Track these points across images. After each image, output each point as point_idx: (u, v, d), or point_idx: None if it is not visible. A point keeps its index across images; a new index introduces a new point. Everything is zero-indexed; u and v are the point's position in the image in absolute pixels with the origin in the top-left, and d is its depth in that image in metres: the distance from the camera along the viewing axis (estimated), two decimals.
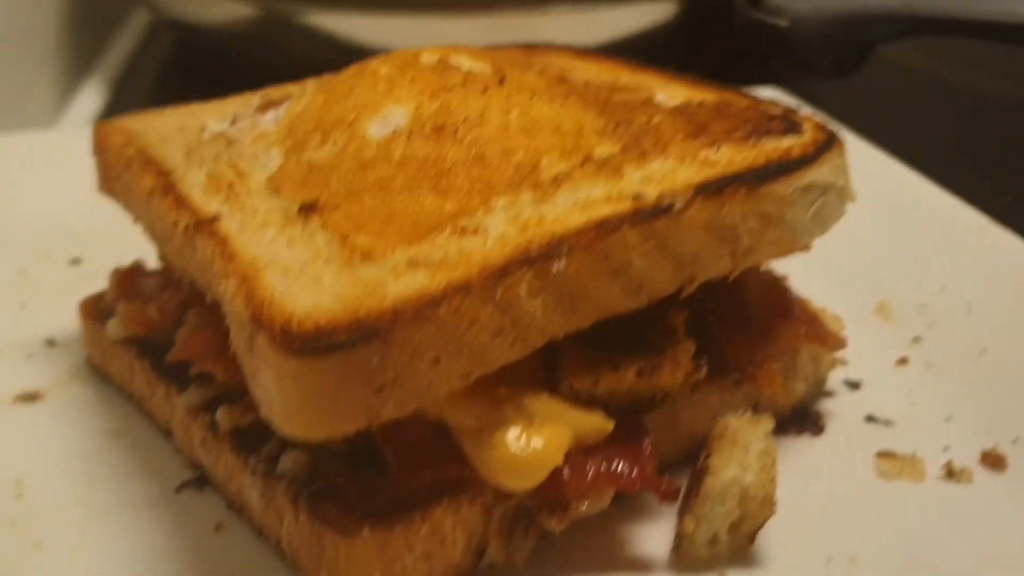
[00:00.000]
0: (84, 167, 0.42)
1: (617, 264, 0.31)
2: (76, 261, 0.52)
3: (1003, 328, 0.44)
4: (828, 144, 0.37)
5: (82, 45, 0.96)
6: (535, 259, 0.30)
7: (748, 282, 0.38)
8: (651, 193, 0.32)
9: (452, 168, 0.33)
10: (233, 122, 0.40)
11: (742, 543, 0.33)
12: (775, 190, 0.34)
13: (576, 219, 0.31)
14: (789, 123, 0.38)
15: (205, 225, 0.32)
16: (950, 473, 0.37)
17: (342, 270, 0.29)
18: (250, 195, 0.34)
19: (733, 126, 0.37)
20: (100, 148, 0.41)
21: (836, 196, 0.37)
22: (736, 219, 0.33)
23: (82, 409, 0.41)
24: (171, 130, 0.40)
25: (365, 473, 0.32)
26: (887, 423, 0.40)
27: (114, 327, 0.41)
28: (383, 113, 0.37)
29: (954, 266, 0.48)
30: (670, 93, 0.41)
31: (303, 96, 0.40)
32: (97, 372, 0.43)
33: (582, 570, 0.33)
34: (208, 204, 0.34)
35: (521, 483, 0.31)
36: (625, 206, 0.32)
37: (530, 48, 0.47)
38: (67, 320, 0.45)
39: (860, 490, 0.37)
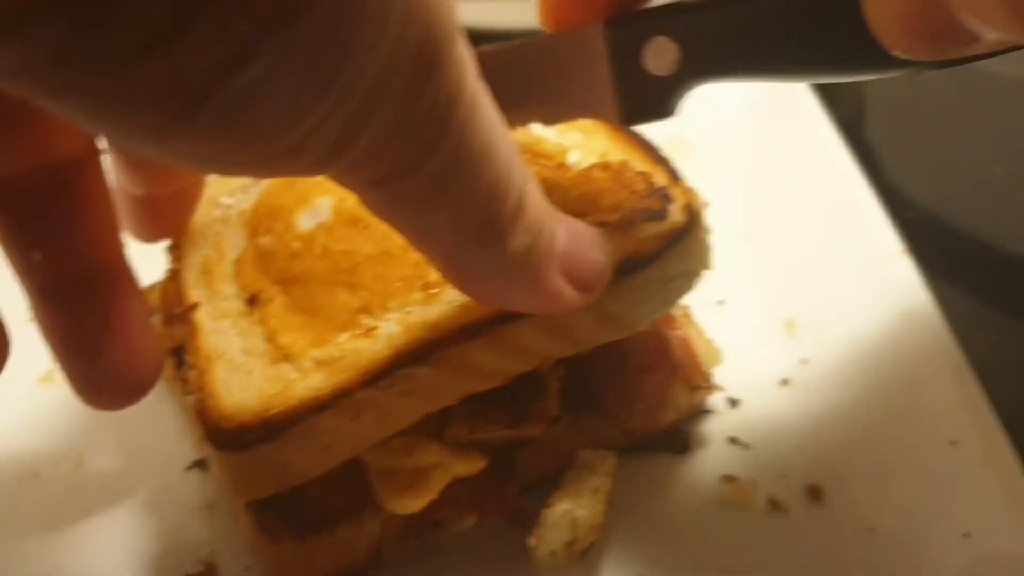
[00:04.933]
0: None
1: (474, 364, 0.41)
2: None
3: (868, 367, 0.52)
4: (684, 232, 0.43)
5: None
6: (406, 363, 0.39)
7: None
8: None
9: (362, 263, 0.42)
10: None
11: (575, 558, 0.45)
12: (617, 291, 0.41)
13: (444, 324, 0.40)
14: (663, 199, 0.43)
15: (186, 313, 0.44)
16: (772, 503, 0.47)
17: (267, 367, 0.41)
18: (220, 280, 0.44)
19: (618, 202, 0.43)
20: None
21: (685, 279, 0.44)
22: (572, 320, 0.41)
23: None
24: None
25: (297, 492, 0.44)
26: (744, 446, 0.50)
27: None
28: (313, 204, 0.45)
29: (855, 292, 0.55)
30: (588, 148, 0.48)
31: None
32: None
33: (459, 567, 0.46)
34: (194, 290, 0.44)
35: (407, 510, 0.43)
36: (481, 312, 0.40)
37: None
38: None
39: (693, 512, 0.47)
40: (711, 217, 0.62)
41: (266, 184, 0.48)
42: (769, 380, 0.53)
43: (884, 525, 0.45)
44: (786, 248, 0.60)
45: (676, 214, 0.43)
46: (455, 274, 0.35)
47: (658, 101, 0.38)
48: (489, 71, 0.30)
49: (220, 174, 0.42)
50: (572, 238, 0.36)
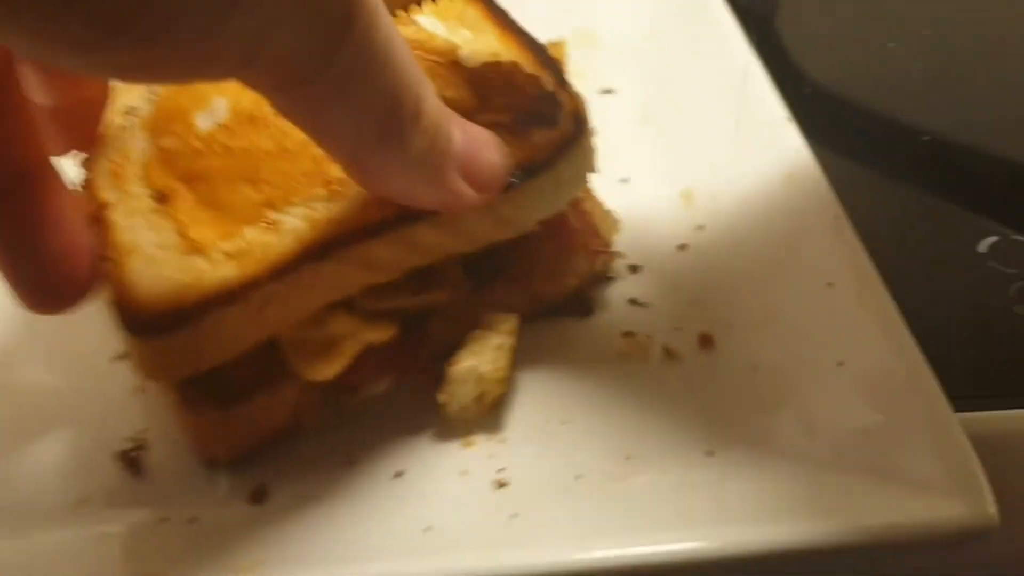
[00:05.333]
0: None
1: (375, 259, 0.44)
2: None
3: (756, 227, 0.55)
4: (573, 139, 0.46)
5: None
6: (311, 259, 0.42)
7: None
8: None
9: (262, 160, 0.44)
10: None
11: (484, 411, 0.48)
12: (512, 196, 0.44)
13: (347, 222, 0.43)
14: (552, 105, 0.46)
15: (99, 211, 0.45)
16: (667, 352, 0.51)
17: (179, 259, 0.42)
18: (130, 181, 0.46)
19: (508, 104, 0.46)
20: None
21: (575, 181, 0.48)
22: (470, 221, 0.44)
23: None
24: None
25: (216, 367, 0.46)
26: (643, 306, 0.53)
27: None
28: (210, 104, 0.47)
29: (745, 161, 0.58)
30: (478, 47, 0.50)
31: None
32: None
33: (376, 428, 0.49)
34: (106, 192, 0.45)
35: (321, 377, 0.46)
36: (383, 211, 0.43)
37: None
38: None
39: (595, 366, 0.50)
40: (615, 103, 0.66)
41: (163, 88, 0.49)
42: (668, 246, 0.56)
43: (767, 362, 0.49)
44: (685, 127, 0.63)
45: (564, 120, 0.46)
46: (358, 173, 0.38)
47: None
48: None
49: (141, 82, 0.44)
50: (469, 139, 0.40)
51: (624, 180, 0.60)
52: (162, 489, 0.47)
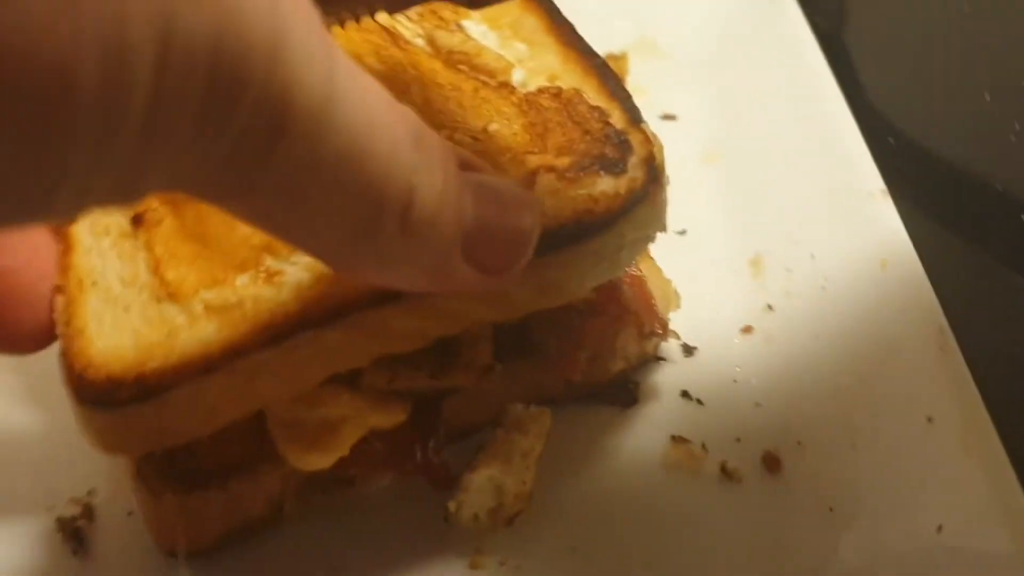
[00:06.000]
0: None
1: (393, 328, 0.35)
2: None
3: (840, 322, 0.47)
4: (644, 193, 0.38)
5: None
6: (314, 324, 0.34)
7: None
8: None
9: None
10: None
11: (499, 525, 0.40)
12: (561, 258, 0.36)
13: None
14: (620, 148, 0.39)
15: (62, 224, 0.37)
16: (725, 470, 0.43)
17: (148, 304, 0.35)
18: None
19: (568, 142, 0.39)
20: None
21: (639, 243, 0.39)
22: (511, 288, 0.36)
23: None
24: None
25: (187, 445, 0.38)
26: (698, 402, 0.45)
27: None
28: None
29: (830, 233, 0.50)
30: (535, 65, 0.43)
31: None
32: None
33: (367, 529, 0.41)
34: None
35: (313, 467, 0.38)
36: None
37: None
38: None
39: (636, 477, 0.43)
40: (677, 133, 0.57)
41: None
42: (729, 326, 0.48)
43: (845, 506, 0.41)
44: (756, 172, 0.55)
45: (635, 168, 0.38)
46: (331, 265, 0.30)
47: None
48: None
49: None
50: (487, 205, 0.31)
51: (681, 232, 0.51)
52: None
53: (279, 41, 0.22)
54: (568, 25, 0.45)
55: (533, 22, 0.45)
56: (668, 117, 0.59)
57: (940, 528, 0.39)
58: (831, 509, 0.41)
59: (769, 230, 0.51)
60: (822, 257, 0.49)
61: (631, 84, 0.56)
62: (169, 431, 0.34)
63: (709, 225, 0.52)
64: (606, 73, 0.42)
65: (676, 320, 0.46)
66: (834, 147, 0.53)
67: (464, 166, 0.31)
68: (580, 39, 0.44)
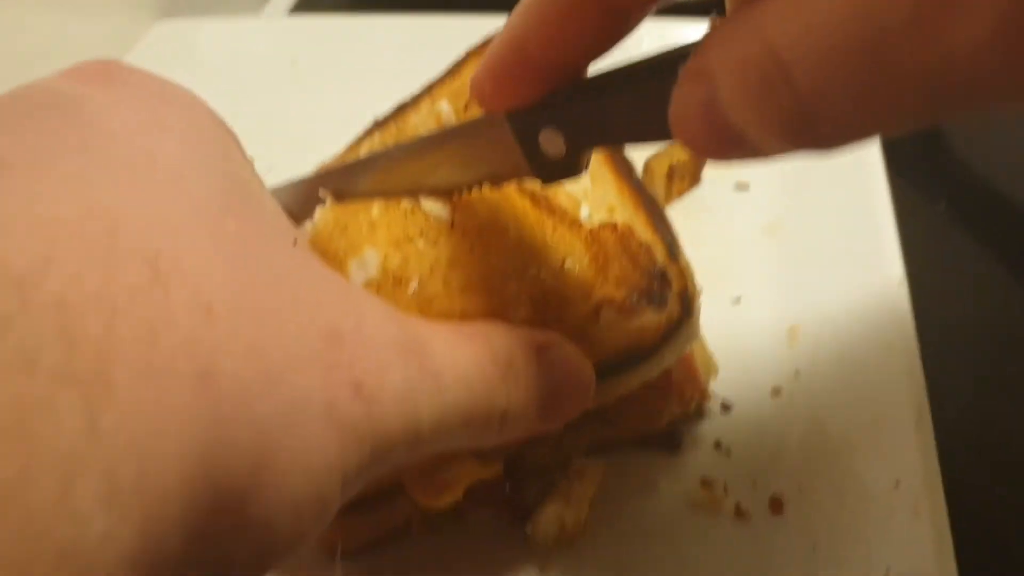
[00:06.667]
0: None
1: None
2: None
3: (844, 391, 0.59)
4: (679, 323, 0.47)
5: None
6: None
7: None
8: None
9: None
10: None
11: (562, 545, 0.55)
12: (611, 383, 0.48)
13: None
14: (662, 282, 0.47)
15: None
16: (738, 511, 0.56)
17: None
18: None
19: (623, 275, 0.47)
20: None
21: (672, 359, 0.50)
22: None
23: None
24: None
25: None
26: (726, 452, 0.58)
27: None
28: (362, 256, 0.47)
29: (852, 313, 0.61)
30: (596, 198, 0.52)
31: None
32: None
33: (470, 542, 0.56)
34: None
35: (436, 506, 0.52)
36: None
37: None
38: None
39: (667, 514, 0.56)
40: (746, 204, 0.69)
41: (319, 227, 0.50)
42: (763, 388, 0.60)
43: (824, 546, 0.53)
44: (810, 247, 0.66)
45: (672, 301, 0.46)
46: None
47: (564, 170, 0.42)
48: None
49: None
50: (557, 380, 0.42)
51: (736, 300, 0.64)
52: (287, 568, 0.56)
53: (275, 461, 0.27)
54: (626, 162, 0.54)
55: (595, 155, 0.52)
56: (741, 186, 0.70)
57: (888, 571, 0.51)
58: (814, 547, 0.54)
59: (808, 302, 0.63)
60: (842, 333, 0.60)
61: None
62: None
63: (762, 295, 0.64)
64: (652, 207, 0.52)
65: (720, 378, 0.60)
66: (870, 232, 0.64)
67: (540, 349, 0.41)
68: (633, 173, 0.54)
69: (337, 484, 0.30)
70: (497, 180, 0.47)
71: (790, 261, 0.65)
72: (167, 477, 0.23)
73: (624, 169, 0.54)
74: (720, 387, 0.60)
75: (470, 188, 0.48)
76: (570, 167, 0.42)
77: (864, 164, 0.67)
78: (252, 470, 0.26)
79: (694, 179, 0.67)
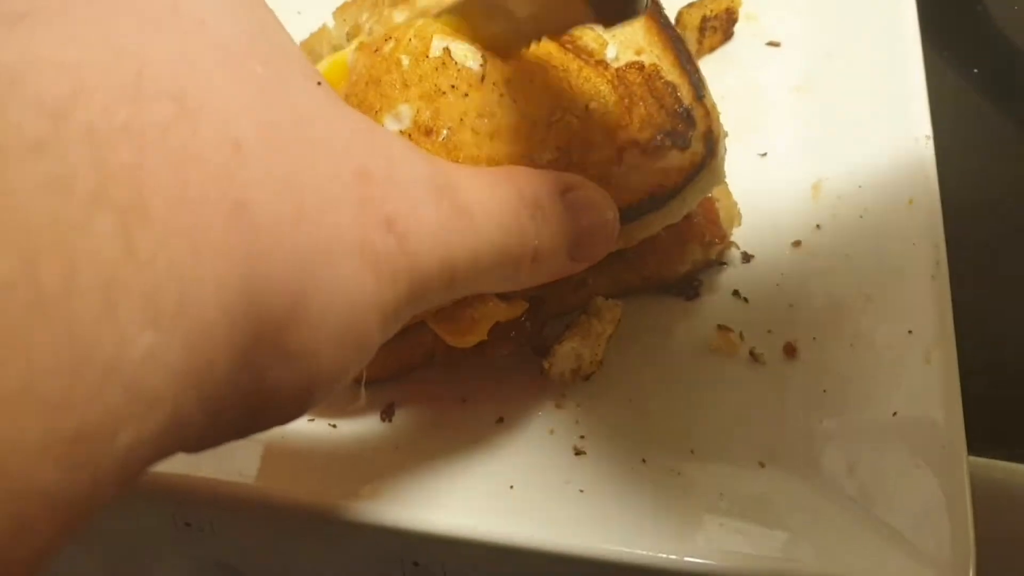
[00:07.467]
0: None
1: None
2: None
3: (866, 248, 0.59)
4: (703, 164, 0.48)
5: None
6: None
7: None
8: None
9: None
10: None
11: (577, 380, 0.57)
12: (636, 225, 0.50)
13: None
14: (686, 122, 0.48)
15: None
16: (753, 355, 0.58)
17: None
18: None
19: (648, 116, 0.48)
20: None
21: (697, 200, 0.52)
22: None
23: None
24: None
25: None
26: (744, 300, 0.59)
27: None
28: (396, 111, 0.47)
29: (875, 168, 0.61)
30: (624, 38, 0.51)
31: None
32: None
33: (488, 375, 0.58)
34: None
35: (461, 345, 0.53)
36: None
37: None
38: None
39: (684, 355, 0.57)
40: (778, 60, 0.68)
41: (353, 81, 0.50)
42: (784, 240, 0.61)
43: (834, 388, 0.55)
44: (839, 105, 0.66)
45: (696, 142, 0.47)
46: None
47: (624, 8, 0.42)
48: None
49: None
50: (583, 220, 0.43)
51: (763, 155, 0.64)
52: None
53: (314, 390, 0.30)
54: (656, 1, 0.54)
55: None
56: (773, 44, 0.70)
57: (895, 414, 0.53)
58: (824, 391, 0.55)
59: (833, 159, 0.63)
60: (867, 188, 0.61)
61: (744, 11, 0.68)
62: None
63: (788, 150, 0.65)
64: (680, 47, 0.52)
65: (742, 231, 0.61)
66: (899, 92, 0.64)
67: (565, 190, 0.42)
68: (662, 12, 0.53)
69: (375, 320, 0.31)
70: (559, 29, 0.47)
71: (818, 119, 0.65)
72: (208, 303, 0.24)
73: (653, 6, 0.54)
74: (742, 238, 0.61)
75: (528, 41, 0.48)
76: (630, 5, 0.42)
77: (898, 28, 0.67)
78: (290, 305, 0.27)
79: (726, 33, 0.67)
